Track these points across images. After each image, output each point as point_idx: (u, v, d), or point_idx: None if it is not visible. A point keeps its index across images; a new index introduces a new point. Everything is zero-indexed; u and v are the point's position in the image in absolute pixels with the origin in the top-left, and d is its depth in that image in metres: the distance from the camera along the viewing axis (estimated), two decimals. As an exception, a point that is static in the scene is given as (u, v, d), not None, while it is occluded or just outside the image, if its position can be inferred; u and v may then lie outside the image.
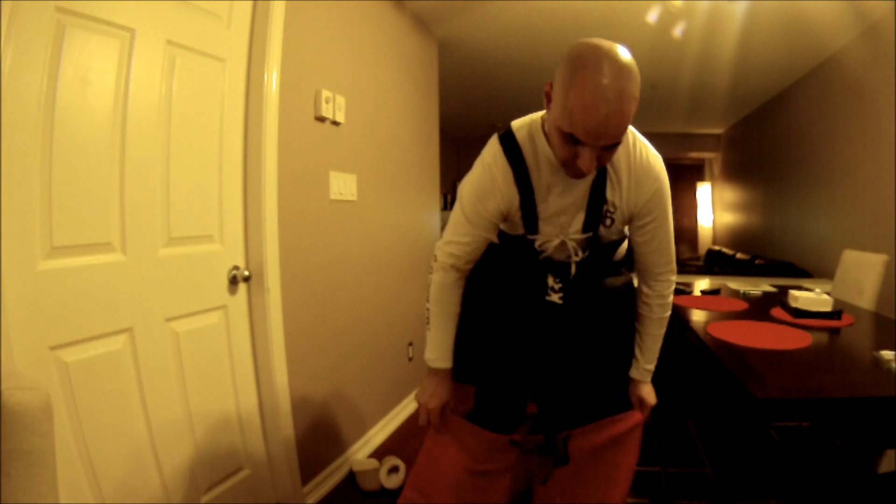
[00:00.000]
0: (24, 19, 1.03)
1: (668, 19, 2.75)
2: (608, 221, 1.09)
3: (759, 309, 1.98)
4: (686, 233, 8.33)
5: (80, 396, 1.17)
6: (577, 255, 1.12)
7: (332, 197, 1.99)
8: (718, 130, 6.62)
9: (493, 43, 3.36)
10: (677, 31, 2.87)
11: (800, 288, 2.05)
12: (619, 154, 1.03)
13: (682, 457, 2.21)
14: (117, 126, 1.23)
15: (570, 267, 1.13)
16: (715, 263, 4.89)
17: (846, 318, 1.77)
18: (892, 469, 1.79)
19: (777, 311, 1.89)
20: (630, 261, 1.23)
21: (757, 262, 4.19)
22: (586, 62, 0.84)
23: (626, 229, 1.17)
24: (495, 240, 1.17)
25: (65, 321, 1.13)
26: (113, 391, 1.25)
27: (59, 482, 0.81)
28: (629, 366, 1.23)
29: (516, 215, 1.11)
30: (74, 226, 1.15)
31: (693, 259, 7.29)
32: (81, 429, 1.17)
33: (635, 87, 0.85)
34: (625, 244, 1.22)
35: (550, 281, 1.16)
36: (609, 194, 1.06)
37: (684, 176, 8.29)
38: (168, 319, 1.39)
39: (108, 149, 1.21)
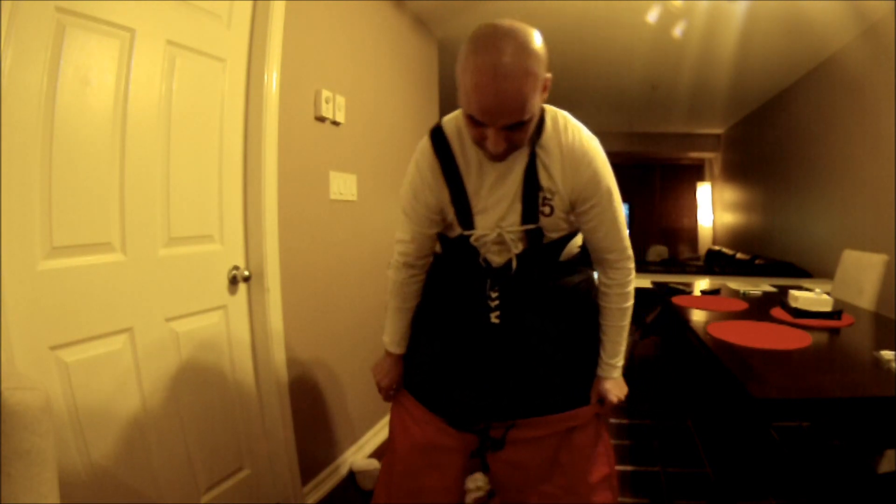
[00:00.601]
0: (24, 19, 1.03)
1: (668, 19, 2.75)
2: (547, 209, 1.04)
3: (759, 309, 1.98)
4: (686, 233, 8.34)
5: (80, 396, 1.17)
6: (515, 246, 1.07)
7: (332, 197, 1.99)
8: (718, 130, 6.63)
9: (493, 43, 3.36)
10: (677, 31, 2.87)
11: (800, 288, 2.05)
12: (550, 139, 1.02)
13: (682, 457, 2.21)
14: (117, 126, 1.23)
15: (510, 270, 1.09)
16: (715, 263, 4.89)
17: (846, 318, 1.77)
18: (892, 469, 1.79)
19: (777, 311, 1.89)
20: (588, 258, 1.19)
21: (757, 262, 4.19)
22: (477, 43, 0.85)
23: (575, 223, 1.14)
24: (437, 231, 1.16)
25: (65, 321, 1.13)
26: (113, 391, 1.25)
27: (59, 482, 0.81)
28: (590, 365, 1.18)
29: (450, 210, 1.08)
30: (74, 226, 1.15)
31: (693, 259, 7.29)
32: (81, 429, 1.17)
33: (532, 63, 0.84)
34: (577, 240, 1.17)
35: (487, 292, 1.11)
36: (544, 181, 1.03)
37: (684, 176, 8.30)
38: (168, 319, 1.39)
39: (108, 149, 1.21)
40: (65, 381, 1.14)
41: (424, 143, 1.08)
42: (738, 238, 5.81)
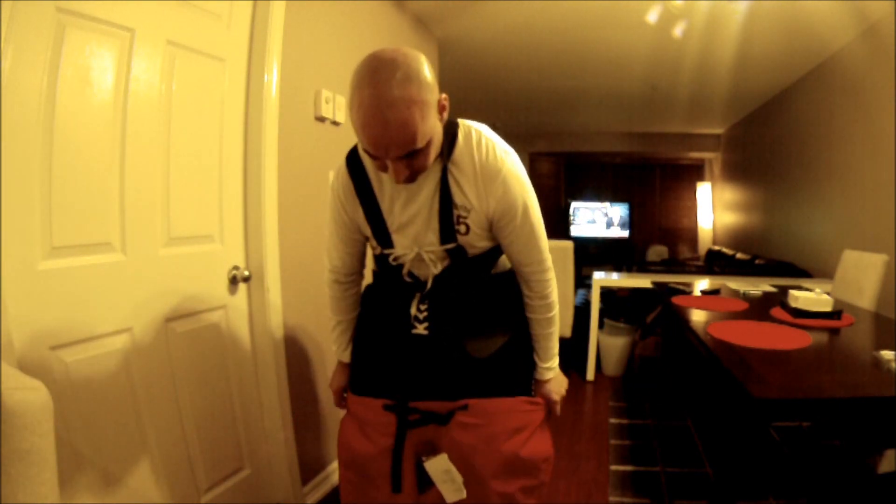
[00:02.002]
0: (24, 19, 1.03)
1: (668, 19, 2.75)
2: (463, 228, 1.04)
3: (759, 309, 1.98)
4: (686, 233, 8.34)
5: (80, 396, 1.17)
6: (435, 267, 1.08)
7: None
8: (718, 130, 6.63)
9: (493, 43, 3.36)
10: (677, 31, 2.87)
11: (800, 288, 2.05)
12: (463, 155, 1.01)
13: (682, 457, 2.21)
14: (117, 126, 1.23)
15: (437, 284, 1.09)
16: (715, 263, 4.89)
17: (846, 318, 1.77)
18: (892, 469, 1.79)
19: (777, 311, 1.89)
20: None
21: (757, 262, 4.19)
22: (360, 78, 0.85)
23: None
24: (362, 249, 1.21)
25: (65, 321, 1.13)
26: (113, 391, 1.25)
27: (59, 482, 0.81)
28: (523, 363, 1.19)
29: (366, 228, 1.11)
30: (74, 226, 1.15)
31: (693, 259, 7.29)
32: (81, 429, 1.17)
33: (415, 91, 0.84)
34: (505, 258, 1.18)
35: (414, 309, 1.11)
36: (457, 197, 1.02)
37: (684, 176, 8.30)
38: (168, 319, 1.39)
39: (108, 149, 1.21)
40: (65, 381, 1.14)
41: (340, 165, 1.12)
42: (738, 238, 5.81)
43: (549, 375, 1.20)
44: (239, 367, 1.63)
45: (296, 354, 1.81)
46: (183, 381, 1.44)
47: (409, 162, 0.91)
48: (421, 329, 1.10)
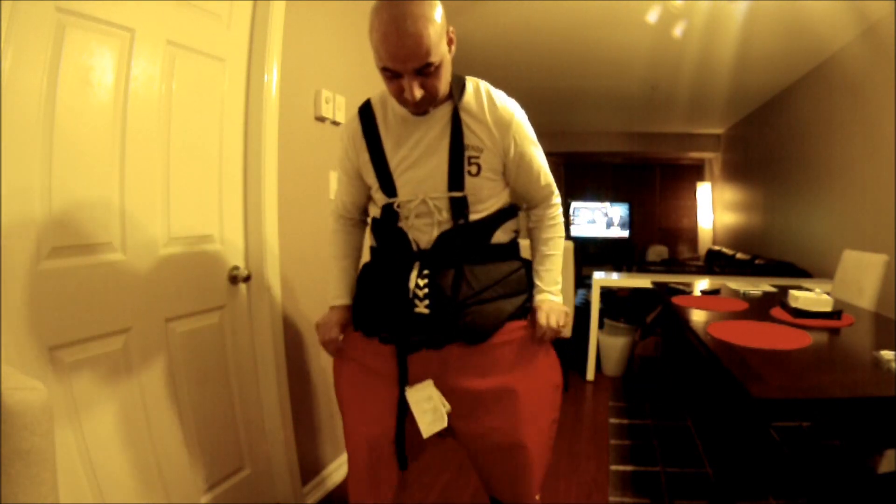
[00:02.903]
0: (24, 19, 1.03)
1: (668, 19, 2.75)
2: (474, 169, 1.09)
3: (759, 309, 1.98)
4: (686, 233, 8.34)
5: (80, 396, 1.17)
6: (440, 214, 1.09)
7: (333, 197, 1.99)
8: (718, 130, 6.63)
9: (493, 43, 3.36)
10: (677, 31, 2.87)
11: (800, 288, 2.05)
12: (472, 100, 1.09)
13: (682, 457, 2.21)
14: (117, 126, 1.23)
15: (437, 251, 1.10)
16: (715, 263, 4.89)
17: (846, 318, 1.77)
18: (892, 469, 1.79)
19: (777, 311, 1.89)
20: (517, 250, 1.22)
21: (757, 262, 4.19)
22: (376, 5, 0.96)
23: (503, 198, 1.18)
24: (368, 191, 1.23)
25: (65, 321, 1.13)
26: (113, 391, 1.25)
27: (59, 482, 0.81)
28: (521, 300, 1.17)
29: (371, 174, 1.15)
30: (74, 226, 1.15)
31: (693, 259, 7.29)
32: (81, 429, 1.17)
33: (427, 10, 0.94)
34: (509, 225, 1.18)
35: (412, 282, 1.09)
36: (469, 139, 1.08)
37: (684, 176, 8.30)
38: (168, 319, 1.39)
39: (108, 149, 1.21)
40: (65, 381, 1.14)
41: (352, 112, 1.21)
42: (738, 238, 5.81)
43: (553, 298, 1.19)
44: (239, 367, 1.63)
45: (296, 355, 1.82)
46: (183, 381, 1.44)
47: (424, 80, 0.98)
48: (422, 308, 1.09)
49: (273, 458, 1.73)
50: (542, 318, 1.14)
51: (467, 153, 1.08)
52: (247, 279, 1.62)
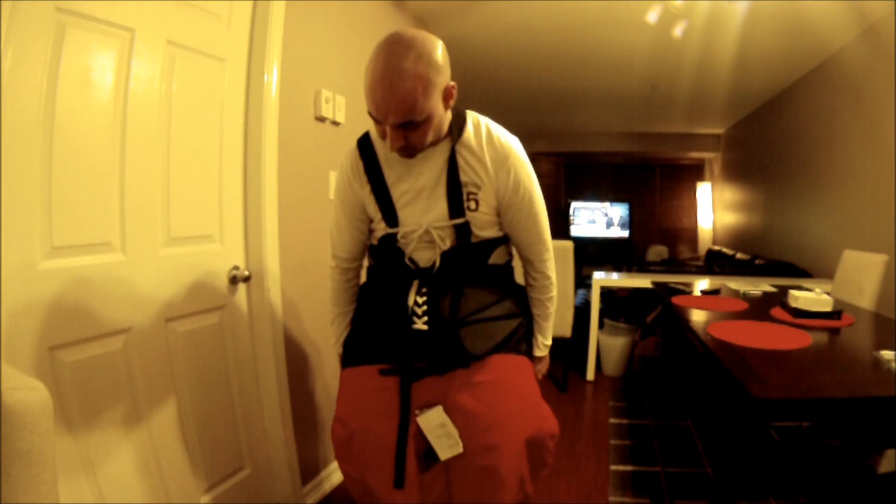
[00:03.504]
0: (24, 19, 1.03)
1: (668, 19, 2.75)
2: (473, 204, 1.09)
3: (759, 309, 1.97)
4: (686, 233, 8.34)
5: (80, 396, 1.17)
6: (443, 243, 1.11)
7: (332, 197, 1.99)
8: (718, 130, 6.62)
9: (493, 43, 3.36)
10: (677, 31, 2.87)
11: (800, 288, 2.05)
12: (471, 139, 1.09)
13: (682, 457, 2.21)
14: (117, 126, 1.23)
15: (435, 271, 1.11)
16: (715, 263, 4.89)
17: (846, 318, 1.77)
18: (892, 469, 1.79)
19: (777, 311, 1.89)
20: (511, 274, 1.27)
21: (757, 262, 4.19)
22: (379, 48, 0.95)
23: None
24: (365, 235, 1.23)
25: (65, 321, 1.13)
26: (113, 391, 1.25)
27: (59, 482, 0.81)
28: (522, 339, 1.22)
29: (372, 205, 1.14)
30: (74, 226, 1.15)
31: (693, 259, 7.29)
32: (81, 429, 1.17)
33: (423, 68, 0.93)
34: (505, 248, 1.21)
35: (412, 299, 1.10)
36: (466, 176, 1.08)
37: (684, 176, 8.30)
38: (168, 319, 1.39)
39: (108, 149, 1.21)
40: (65, 381, 1.14)
41: (351, 148, 1.18)
42: (738, 238, 5.81)
43: (543, 353, 1.29)
44: (239, 366, 1.63)
45: (296, 354, 1.82)
46: (183, 381, 1.44)
47: (406, 133, 0.99)
48: (420, 324, 1.10)
49: (273, 458, 1.73)
50: (543, 369, 1.31)
51: (466, 189, 1.09)
52: (247, 279, 1.62)
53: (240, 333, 1.63)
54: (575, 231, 8.24)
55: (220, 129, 1.53)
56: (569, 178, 8.54)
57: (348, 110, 2.07)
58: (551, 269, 1.26)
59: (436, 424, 1.08)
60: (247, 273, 1.62)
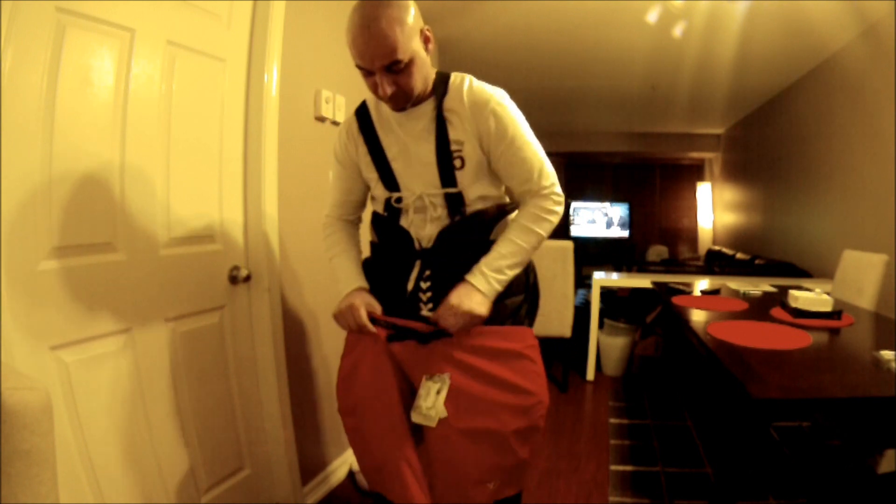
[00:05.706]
0: (24, 19, 1.03)
1: (668, 19, 2.75)
2: (458, 162, 1.11)
3: (759, 309, 1.98)
4: (686, 233, 8.34)
5: (80, 396, 1.17)
6: (435, 211, 1.13)
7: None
8: (718, 130, 6.62)
9: (493, 43, 3.36)
10: (677, 31, 2.87)
11: (800, 288, 2.05)
12: (454, 95, 1.11)
13: (682, 457, 2.21)
14: (117, 126, 1.23)
15: (439, 248, 1.14)
16: (715, 263, 4.89)
17: (846, 318, 1.77)
18: (892, 469, 1.79)
19: (777, 311, 1.89)
20: None
21: (757, 262, 4.19)
22: (354, 8, 1.02)
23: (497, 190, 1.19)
24: (361, 197, 1.30)
25: (65, 321, 1.13)
26: (113, 391, 1.25)
27: (59, 482, 0.81)
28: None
29: (370, 167, 1.19)
30: (74, 226, 1.15)
31: (693, 259, 7.29)
32: (81, 429, 1.17)
33: (395, 12, 1.00)
34: (505, 221, 1.18)
35: (412, 283, 1.15)
36: (452, 133, 1.10)
37: (684, 176, 8.30)
38: (168, 319, 1.39)
39: (108, 149, 1.21)
40: (65, 381, 1.14)
41: (349, 114, 1.25)
42: (738, 238, 5.81)
43: (479, 285, 1.06)
44: (239, 366, 1.63)
45: (296, 354, 1.82)
46: (183, 381, 1.44)
47: (395, 78, 1.03)
48: (426, 311, 1.14)
49: (273, 458, 1.73)
50: (453, 299, 1.05)
51: (452, 147, 1.11)
52: (247, 279, 1.62)
53: (240, 333, 1.63)
54: (575, 231, 8.25)
55: (220, 129, 1.53)
56: (569, 178, 8.53)
57: (348, 110, 2.06)
58: (555, 207, 1.13)
59: (433, 390, 1.12)
60: (247, 273, 1.62)
